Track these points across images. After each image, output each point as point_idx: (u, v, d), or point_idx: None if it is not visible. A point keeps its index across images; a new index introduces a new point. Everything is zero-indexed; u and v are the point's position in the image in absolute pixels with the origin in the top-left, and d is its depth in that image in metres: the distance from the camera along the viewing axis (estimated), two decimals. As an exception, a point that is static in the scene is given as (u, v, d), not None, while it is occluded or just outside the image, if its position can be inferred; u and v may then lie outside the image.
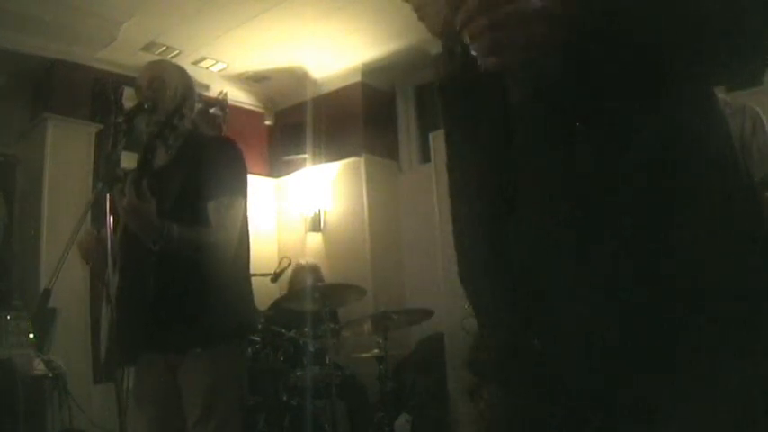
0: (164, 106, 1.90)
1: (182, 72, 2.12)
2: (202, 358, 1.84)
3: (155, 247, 1.76)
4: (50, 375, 3.24)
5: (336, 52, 4.95)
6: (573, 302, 0.83)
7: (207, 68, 4.98)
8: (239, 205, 1.95)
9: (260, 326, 3.41)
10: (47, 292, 1.75)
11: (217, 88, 5.06)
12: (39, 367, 3.22)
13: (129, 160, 2.10)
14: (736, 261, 0.82)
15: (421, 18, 0.93)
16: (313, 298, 3.44)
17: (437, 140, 4.51)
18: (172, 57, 4.61)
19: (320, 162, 5.34)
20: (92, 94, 4.52)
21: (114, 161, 1.80)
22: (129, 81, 4.35)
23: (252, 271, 2.16)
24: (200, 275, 1.84)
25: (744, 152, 2.15)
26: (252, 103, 5.71)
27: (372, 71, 5.22)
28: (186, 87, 2.06)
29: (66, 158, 4.22)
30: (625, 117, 0.80)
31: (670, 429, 0.80)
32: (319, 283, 3.87)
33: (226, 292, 1.91)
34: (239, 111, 5.42)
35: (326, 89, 5.41)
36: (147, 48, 4.62)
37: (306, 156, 5.43)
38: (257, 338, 3.53)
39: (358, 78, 5.24)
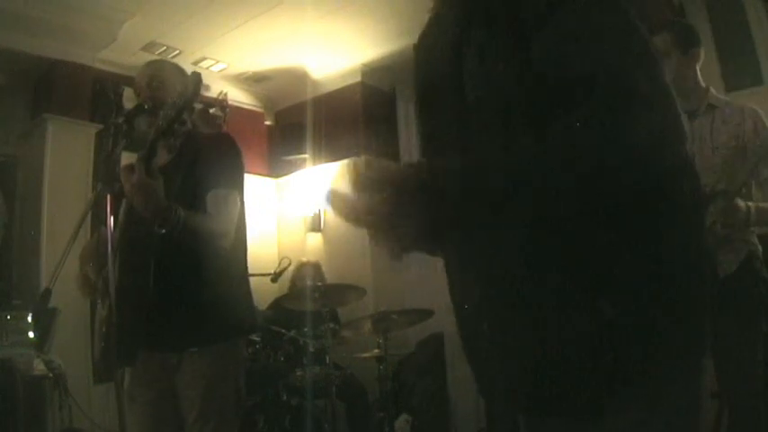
0: (168, 104, 1.88)
1: (180, 71, 2.12)
2: (199, 358, 1.84)
3: (160, 230, 1.72)
4: (50, 375, 3.24)
5: (336, 52, 4.95)
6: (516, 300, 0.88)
7: (207, 68, 4.98)
8: (235, 198, 1.95)
9: (259, 325, 3.41)
10: (47, 292, 1.75)
11: (217, 88, 5.06)
12: (39, 367, 3.22)
13: (129, 160, 2.10)
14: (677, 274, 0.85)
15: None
16: (313, 298, 3.44)
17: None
18: (172, 57, 4.61)
19: (320, 162, 5.34)
20: (92, 94, 4.52)
21: (114, 161, 1.80)
22: (130, 81, 4.32)
23: (252, 271, 2.15)
24: (198, 274, 1.84)
25: (744, 152, 2.14)
26: (252, 103, 5.71)
27: (372, 71, 5.21)
28: (195, 87, 2.05)
29: (66, 158, 4.22)
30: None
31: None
32: (319, 283, 3.87)
33: (223, 291, 1.90)
34: (239, 111, 5.42)
35: (326, 89, 5.41)
36: (147, 48, 4.62)
37: (306, 156, 5.42)
38: (257, 338, 3.53)
39: (358, 78, 5.24)
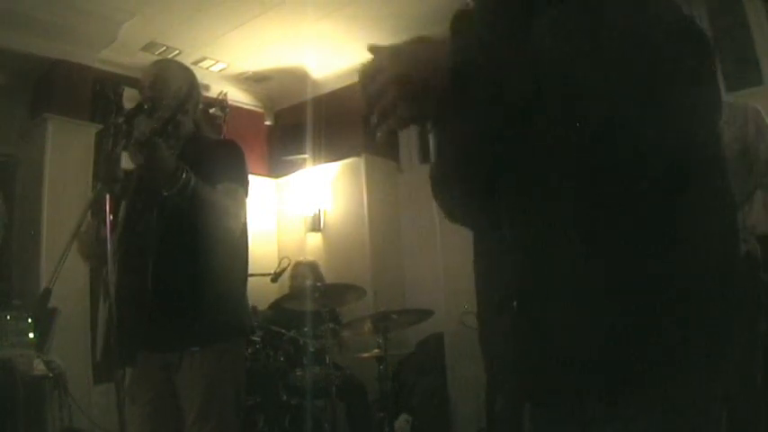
0: (166, 104, 1.88)
1: (186, 71, 2.12)
2: (200, 357, 1.84)
3: (168, 191, 1.71)
4: (50, 375, 3.23)
5: (336, 52, 4.95)
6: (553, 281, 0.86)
7: (207, 68, 4.98)
8: (242, 193, 1.96)
9: (255, 326, 3.42)
10: (47, 292, 1.75)
11: (217, 88, 5.06)
12: (39, 367, 3.21)
13: (128, 160, 2.10)
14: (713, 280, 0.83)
15: None
16: (313, 298, 3.44)
17: (437, 140, 4.49)
18: (172, 57, 4.61)
19: (320, 162, 5.34)
20: (92, 94, 4.51)
21: (114, 161, 1.80)
22: (129, 81, 4.34)
23: (252, 271, 2.16)
24: (198, 275, 1.84)
25: (748, 155, 2.14)
26: (252, 103, 5.71)
27: (372, 71, 5.20)
28: (190, 86, 2.05)
29: (66, 158, 4.22)
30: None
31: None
32: (319, 283, 3.87)
33: (224, 291, 1.91)
34: (239, 111, 5.42)
35: (326, 89, 5.41)
36: (147, 48, 4.62)
37: (306, 156, 5.42)
38: (257, 338, 3.53)
39: (358, 78, 5.22)
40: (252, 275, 2.19)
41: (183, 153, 1.99)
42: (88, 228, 1.86)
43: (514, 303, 0.90)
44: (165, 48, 4.65)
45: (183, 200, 1.73)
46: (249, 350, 3.47)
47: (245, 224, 2.01)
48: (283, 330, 3.62)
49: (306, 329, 3.57)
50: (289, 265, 4.03)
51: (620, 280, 0.82)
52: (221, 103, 4.86)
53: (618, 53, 0.79)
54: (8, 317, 3.23)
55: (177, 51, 4.67)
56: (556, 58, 0.80)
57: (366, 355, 3.56)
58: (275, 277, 3.91)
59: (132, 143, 1.69)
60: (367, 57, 0.92)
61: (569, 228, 0.85)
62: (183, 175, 1.71)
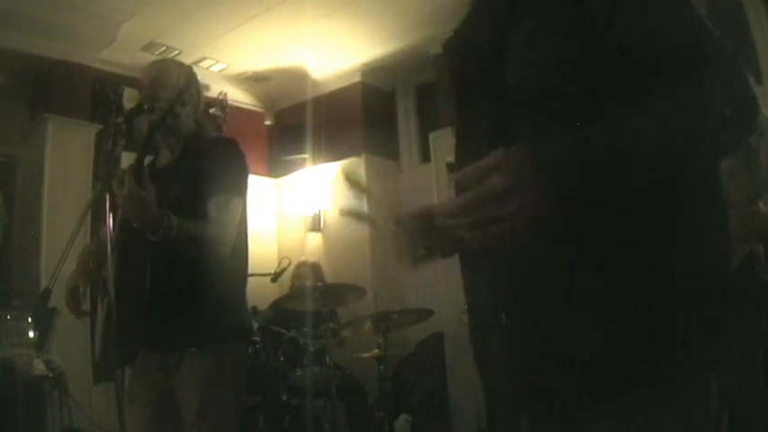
0: (165, 97, 1.88)
1: (183, 67, 2.12)
2: (198, 358, 1.83)
3: (153, 238, 1.72)
4: (50, 375, 3.24)
5: (336, 52, 4.95)
6: (541, 292, 0.86)
7: (207, 68, 4.98)
8: (237, 205, 1.94)
9: (255, 328, 3.41)
10: (47, 292, 1.75)
11: (217, 88, 5.06)
12: (39, 367, 3.22)
13: (129, 160, 2.10)
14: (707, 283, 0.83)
15: None
16: (313, 298, 3.44)
17: (437, 140, 4.51)
18: (172, 57, 4.61)
19: (320, 162, 5.34)
20: (92, 94, 4.52)
21: (114, 161, 1.80)
22: (129, 81, 4.35)
23: (252, 271, 2.15)
24: (198, 275, 1.84)
25: (749, 156, 2.13)
26: (252, 103, 5.71)
27: (372, 71, 5.21)
28: (188, 79, 2.04)
29: (66, 158, 4.22)
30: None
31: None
32: (319, 283, 3.87)
33: (224, 292, 1.90)
34: (239, 111, 5.42)
35: (326, 89, 5.41)
36: (147, 48, 4.62)
37: (306, 156, 5.43)
38: (257, 338, 3.53)
39: (358, 78, 5.24)
40: (252, 275, 2.18)
41: (184, 152, 2.00)
42: (76, 279, 1.87)
43: (502, 316, 0.90)
44: (165, 48, 4.65)
45: (169, 241, 1.74)
46: (249, 350, 3.47)
47: (243, 227, 2.00)
48: (283, 330, 3.62)
49: (306, 329, 3.57)
50: (289, 264, 4.02)
51: (617, 280, 0.82)
52: (221, 102, 4.86)
53: (602, 57, 0.80)
54: (8, 317, 3.24)
55: (177, 51, 4.67)
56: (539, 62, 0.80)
57: (366, 354, 3.56)
58: (275, 277, 3.91)
59: (117, 180, 1.71)
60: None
61: (563, 230, 0.84)
62: (165, 222, 1.72)
